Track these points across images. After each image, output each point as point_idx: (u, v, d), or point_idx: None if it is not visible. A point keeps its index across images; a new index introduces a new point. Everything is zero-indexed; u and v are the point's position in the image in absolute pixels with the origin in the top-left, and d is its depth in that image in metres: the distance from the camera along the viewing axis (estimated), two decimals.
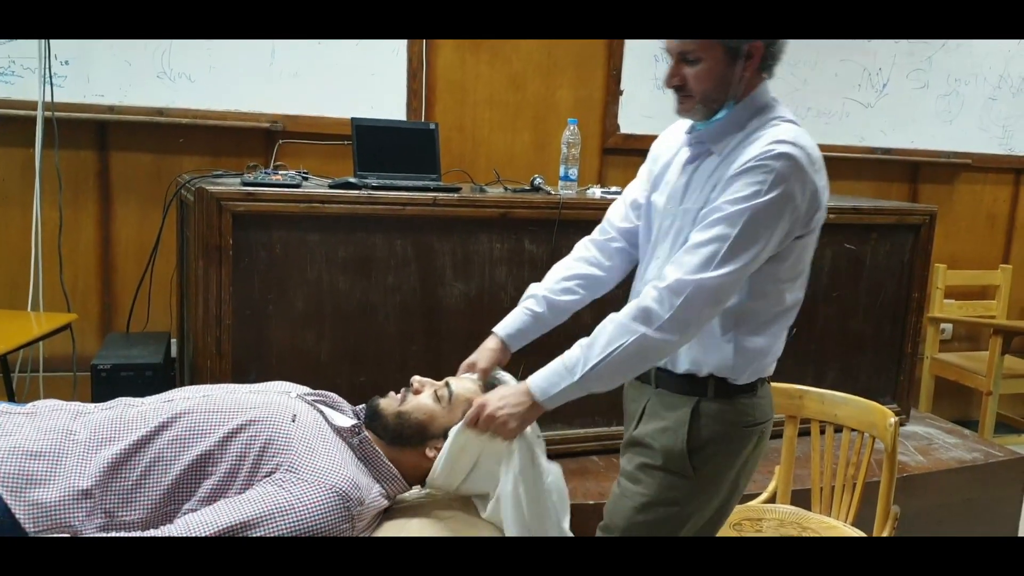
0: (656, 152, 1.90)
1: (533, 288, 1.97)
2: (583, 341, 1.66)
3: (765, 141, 1.61)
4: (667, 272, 1.63)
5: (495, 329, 1.94)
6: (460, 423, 1.74)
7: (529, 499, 1.72)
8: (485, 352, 1.92)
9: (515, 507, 1.71)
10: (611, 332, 1.64)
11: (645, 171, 1.92)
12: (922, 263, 3.35)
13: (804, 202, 1.62)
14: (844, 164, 4.27)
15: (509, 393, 1.71)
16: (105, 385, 2.59)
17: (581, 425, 2.95)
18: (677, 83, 1.67)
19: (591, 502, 2.58)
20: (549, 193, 2.88)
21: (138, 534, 1.52)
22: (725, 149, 1.69)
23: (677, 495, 1.78)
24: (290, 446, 1.66)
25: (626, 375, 1.71)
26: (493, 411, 1.69)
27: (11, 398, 3.00)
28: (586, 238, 2.02)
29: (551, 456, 1.85)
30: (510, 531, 1.72)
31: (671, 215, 1.76)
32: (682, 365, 1.77)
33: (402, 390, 1.86)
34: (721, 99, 1.66)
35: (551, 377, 1.67)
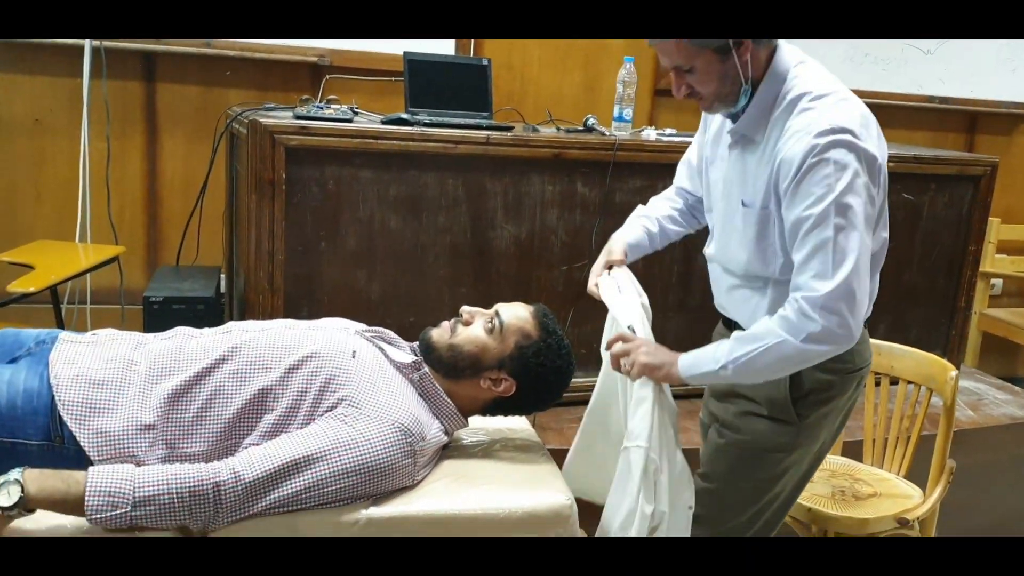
0: (706, 118, 1.89)
1: (644, 209, 2.01)
2: (738, 333, 1.67)
3: (809, 135, 1.57)
4: (801, 289, 1.59)
5: (621, 236, 1.96)
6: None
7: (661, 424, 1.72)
8: (617, 254, 1.92)
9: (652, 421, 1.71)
10: (758, 332, 1.63)
11: (699, 135, 1.93)
12: (980, 216, 3.27)
13: (868, 169, 1.59)
14: (900, 112, 4.16)
15: (656, 349, 1.73)
16: (157, 318, 2.60)
17: None
18: (686, 92, 1.68)
19: None
20: (603, 134, 2.82)
21: (201, 465, 1.52)
22: (766, 134, 1.67)
23: (783, 441, 1.79)
24: (351, 381, 1.64)
25: (772, 374, 1.69)
26: (645, 363, 1.71)
27: (60, 328, 3.03)
28: (669, 190, 2.07)
29: None
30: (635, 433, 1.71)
31: (724, 198, 1.79)
32: None
33: (452, 320, 1.83)
34: (735, 90, 1.65)
35: (700, 358, 1.69)
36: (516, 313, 1.81)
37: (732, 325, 1.83)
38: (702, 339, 1.81)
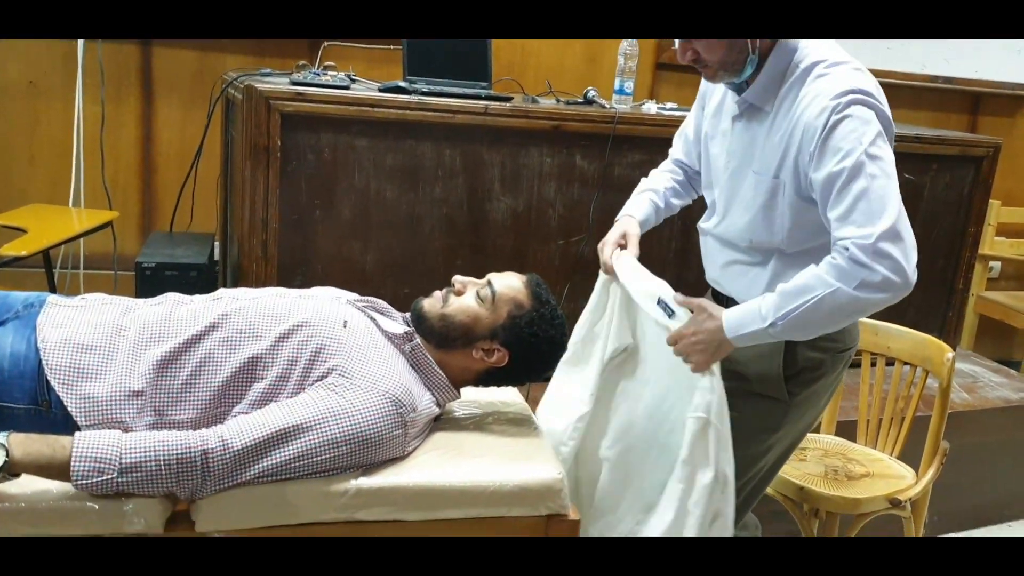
0: (705, 88, 1.88)
1: (648, 183, 1.99)
2: (782, 287, 1.60)
3: (827, 97, 1.56)
4: (848, 239, 1.53)
5: (631, 213, 1.93)
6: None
7: (721, 434, 1.68)
8: (633, 238, 1.89)
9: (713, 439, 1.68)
10: (806, 282, 1.57)
11: (697, 109, 1.92)
12: (981, 197, 3.24)
13: (885, 130, 1.59)
14: (903, 92, 4.12)
15: (704, 328, 1.66)
16: (149, 283, 2.58)
17: None
18: (692, 58, 1.65)
19: None
20: (603, 106, 2.79)
21: (189, 432, 1.50)
22: (776, 104, 1.65)
23: (772, 419, 1.80)
24: (342, 351, 1.63)
25: (822, 328, 1.64)
26: (689, 343, 1.67)
27: (53, 293, 3.01)
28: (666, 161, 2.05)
29: None
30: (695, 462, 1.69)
31: (727, 170, 1.76)
32: None
33: (444, 290, 1.81)
34: (741, 59, 1.63)
35: (744, 317, 1.62)
36: (508, 283, 1.78)
37: (725, 301, 1.81)
38: None
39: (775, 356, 1.73)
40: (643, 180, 2.01)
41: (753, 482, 1.89)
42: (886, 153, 1.55)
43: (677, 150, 2.02)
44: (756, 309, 1.61)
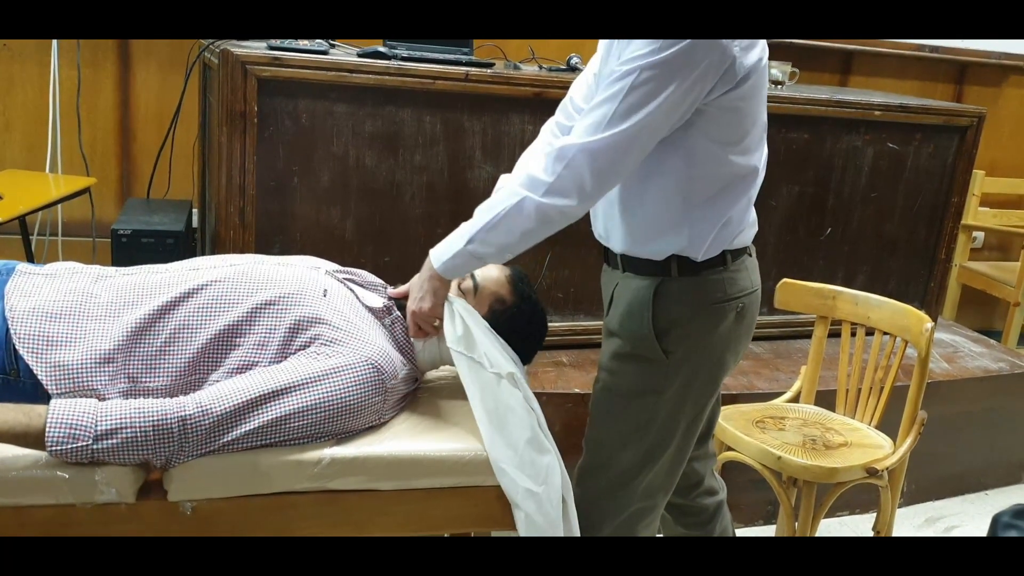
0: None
1: (502, 180, 1.83)
2: (480, 206, 1.60)
3: None
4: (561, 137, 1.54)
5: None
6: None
7: (472, 367, 1.66)
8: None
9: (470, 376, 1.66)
10: (500, 197, 1.58)
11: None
12: (965, 167, 3.23)
13: (716, 57, 1.50)
14: (889, 60, 4.10)
15: (415, 281, 1.69)
16: (125, 251, 2.55)
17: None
18: None
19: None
20: None
21: (165, 399, 1.49)
22: None
23: (653, 382, 1.71)
24: (322, 321, 1.62)
25: (520, 242, 1.59)
26: (413, 309, 1.68)
27: (30, 261, 2.98)
28: (550, 120, 1.89)
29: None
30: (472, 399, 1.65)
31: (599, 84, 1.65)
32: (640, 251, 1.69)
33: None
34: None
35: (447, 244, 1.62)
36: (491, 276, 1.79)
37: (610, 259, 1.78)
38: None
39: (644, 312, 1.68)
40: (502, 177, 1.85)
41: (664, 454, 1.77)
42: (673, 72, 1.48)
43: (575, 89, 1.84)
44: (457, 232, 1.61)
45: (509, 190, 1.56)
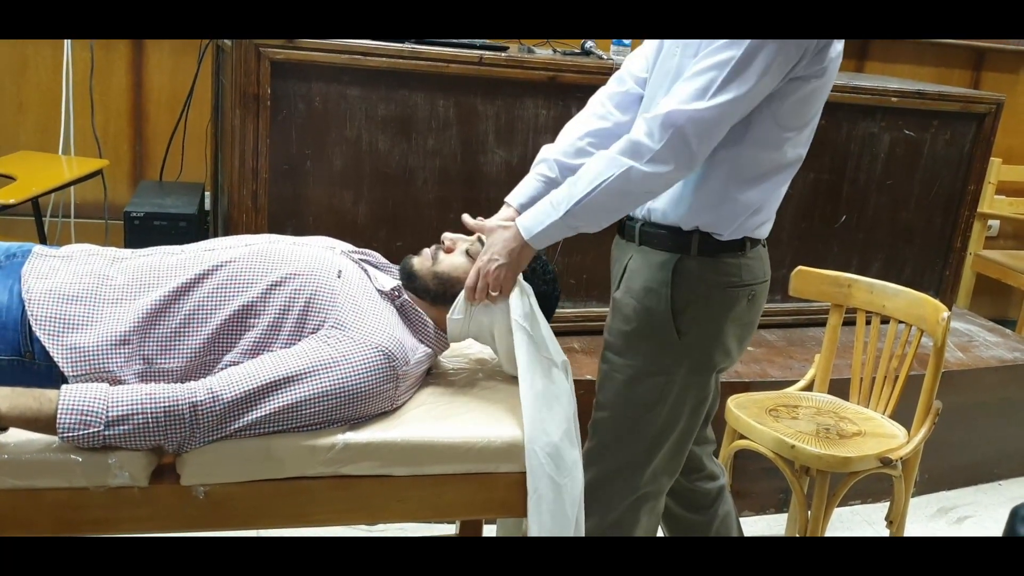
0: None
1: (545, 151, 1.82)
2: (571, 178, 1.58)
3: None
4: (660, 103, 1.55)
5: (508, 199, 1.81)
6: (461, 298, 1.69)
7: (532, 347, 1.65)
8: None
9: (523, 356, 1.64)
10: (598, 167, 1.56)
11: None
12: (982, 155, 3.21)
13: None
14: (906, 47, 4.06)
15: (495, 242, 1.65)
16: (138, 233, 2.56)
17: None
18: None
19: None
20: (601, 58, 2.74)
21: (176, 385, 1.49)
22: None
23: (664, 363, 1.72)
24: (335, 302, 1.61)
25: (615, 212, 1.61)
26: (486, 269, 1.64)
27: (43, 242, 2.98)
28: (601, 90, 1.87)
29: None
30: (521, 376, 1.64)
31: (672, 53, 1.65)
32: (669, 215, 1.68)
33: (433, 247, 1.79)
34: None
35: (538, 215, 1.60)
36: None
37: (626, 231, 1.78)
38: None
39: (662, 290, 1.69)
40: (543, 148, 1.84)
41: (671, 436, 1.78)
42: (779, 43, 1.49)
43: (632, 62, 1.83)
44: (548, 204, 1.59)
45: (609, 159, 1.55)
